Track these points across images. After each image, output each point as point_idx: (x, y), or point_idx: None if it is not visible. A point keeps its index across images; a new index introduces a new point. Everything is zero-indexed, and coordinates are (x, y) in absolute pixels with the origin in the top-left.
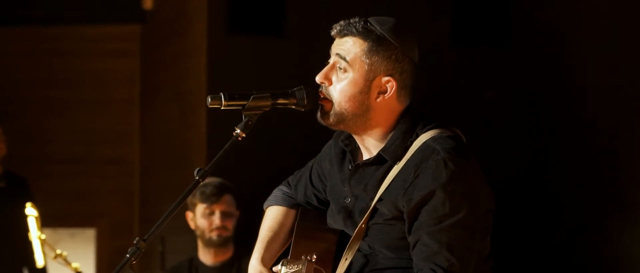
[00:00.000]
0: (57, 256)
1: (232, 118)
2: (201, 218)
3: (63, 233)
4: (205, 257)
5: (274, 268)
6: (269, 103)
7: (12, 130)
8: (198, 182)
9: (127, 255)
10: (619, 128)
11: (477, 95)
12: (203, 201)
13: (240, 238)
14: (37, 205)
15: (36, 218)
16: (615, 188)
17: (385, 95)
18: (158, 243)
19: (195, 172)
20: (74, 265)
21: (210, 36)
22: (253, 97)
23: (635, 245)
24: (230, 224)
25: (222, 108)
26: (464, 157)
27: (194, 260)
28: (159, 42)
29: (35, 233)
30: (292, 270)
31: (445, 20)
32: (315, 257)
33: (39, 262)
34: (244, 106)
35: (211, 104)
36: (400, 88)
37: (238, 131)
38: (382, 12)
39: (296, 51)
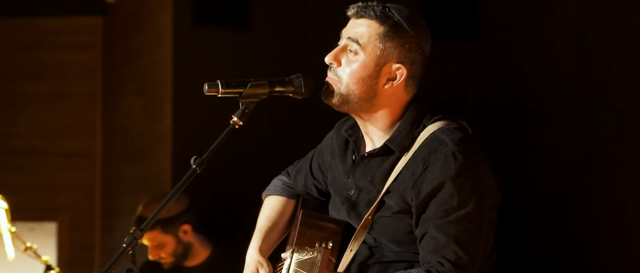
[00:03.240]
0: (27, 249)
1: (199, 111)
2: None
3: (22, 227)
4: None
5: (283, 255)
6: (266, 90)
7: None
8: (195, 171)
9: (124, 245)
10: (587, 120)
11: (443, 88)
12: None
13: (241, 228)
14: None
15: (6, 210)
16: (583, 179)
17: (394, 82)
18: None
19: (192, 160)
20: (44, 258)
21: (175, 28)
22: (250, 85)
23: (602, 235)
24: (164, 252)
25: (219, 95)
26: (472, 149)
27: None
28: (121, 34)
29: (5, 226)
30: (306, 257)
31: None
32: (331, 244)
33: (10, 255)
34: (241, 93)
35: (208, 92)
36: (408, 77)
37: (235, 119)
38: (347, 5)
39: (262, 44)
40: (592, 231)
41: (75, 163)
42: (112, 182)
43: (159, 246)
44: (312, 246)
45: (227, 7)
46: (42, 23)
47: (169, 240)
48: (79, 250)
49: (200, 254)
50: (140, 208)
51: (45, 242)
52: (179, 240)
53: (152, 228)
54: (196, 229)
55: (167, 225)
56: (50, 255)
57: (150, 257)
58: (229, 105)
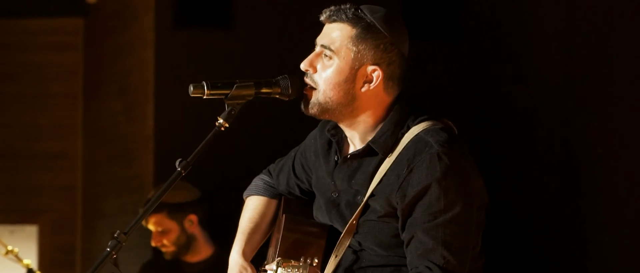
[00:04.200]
0: (8, 252)
1: (181, 112)
2: None
3: (3, 230)
4: None
5: (267, 266)
6: (252, 91)
7: None
8: (180, 174)
9: (108, 249)
10: (569, 120)
11: (428, 89)
12: None
13: (222, 230)
14: None
15: None
16: (566, 180)
17: (371, 85)
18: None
19: (177, 163)
20: (26, 261)
21: (157, 29)
22: (236, 86)
23: (587, 236)
24: (168, 240)
25: (205, 97)
26: (458, 150)
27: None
28: (102, 35)
29: None
30: None
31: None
32: (317, 261)
33: None
34: (226, 95)
35: (193, 93)
36: (386, 78)
37: (221, 120)
38: (328, 5)
39: (244, 44)
40: (579, 231)
41: (56, 164)
42: (94, 184)
43: (163, 232)
44: (298, 255)
45: (210, 7)
46: (22, 24)
47: (173, 227)
48: (60, 253)
49: (203, 251)
50: (152, 193)
51: (25, 245)
52: (183, 229)
53: (158, 211)
54: (202, 223)
55: (174, 210)
56: (31, 259)
57: (153, 243)
58: (212, 106)
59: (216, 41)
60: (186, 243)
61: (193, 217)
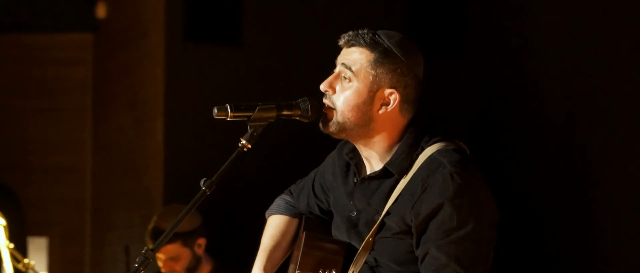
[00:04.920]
0: (25, 265)
1: (189, 127)
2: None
3: None
4: None
5: None
6: (274, 114)
7: None
8: (204, 193)
9: (136, 265)
10: (574, 132)
11: (432, 105)
12: None
13: (243, 247)
14: (15, 212)
15: (4, 227)
16: (572, 190)
17: (388, 107)
18: (122, 252)
19: (202, 182)
20: None
21: (167, 45)
22: (258, 109)
23: (592, 242)
24: (179, 266)
25: (228, 119)
26: (469, 170)
27: None
28: (111, 50)
29: (3, 243)
30: None
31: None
32: (334, 272)
33: (8, 272)
34: (249, 117)
35: (217, 115)
36: (402, 101)
37: (244, 142)
38: (336, 23)
39: (252, 60)
40: (585, 237)
41: (65, 178)
42: (103, 197)
43: (175, 258)
44: (316, 269)
45: (219, 24)
46: (33, 39)
47: (185, 253)
48: (69, 265)
49: (205, 269)
50: (155, 219)
51: (36, 257)
52: (194, 254)
53: (172, 241)
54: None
55: (187, 238)
56: (41, 270)
57: (164, 270)
58: (220, 122)
59: (225, 58)
60: (195, 265)
61: (202, 241)
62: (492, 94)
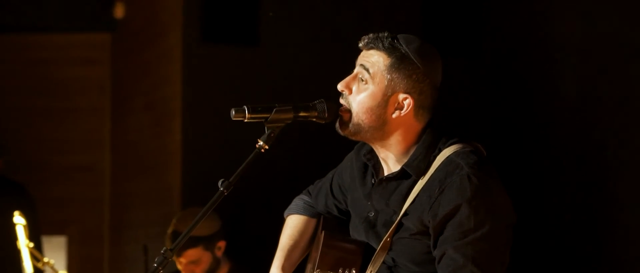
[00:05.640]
0: (44, 264)
1: (207, 127)
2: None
3: None
4: None
5: None
6: (291, 115)
7: None
8: (222, 194)
9: (155, 265)
10: (590, 133)
11: (450, 106)
12: None
13: (260, 247)
14: (30, 211)
15: (24, 226)
16: (589, 191)
17: (402, 112)
18: (141, 251)
19: (219, 183)
20: (61, 272)
21: (185, 44)
22: (276, 110)
23: (621, 243)
24: (199, 269)
25: (246, 120)
26: (486, 172)
27: None
28: (129, 50)
29: (23, 242)
30: None
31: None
32: (354, 271)
33: (28, 270)
34: (266, 118)
35: (235, 117)
36: (417, 107)
37: (261, 143)
38: (352, 24)
39: (269, 60)
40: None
41: (84, 177)
42: (121, 196)
43: (195, 262)
44: (335, 269)
45: (236, 24)
46: (51, 39)
47: (206, 257)
48: (88, 263)
49: (223, 270)
50: (174, 223)
51: (55, 256)
52: (214, 257)
53: (194, 246)
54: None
55: (208, 242)
56: (60, 269)
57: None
58: (237, 122)
59: (242, 58)
60: (214, 268)
61: (221, 244)
62: (508, 95)
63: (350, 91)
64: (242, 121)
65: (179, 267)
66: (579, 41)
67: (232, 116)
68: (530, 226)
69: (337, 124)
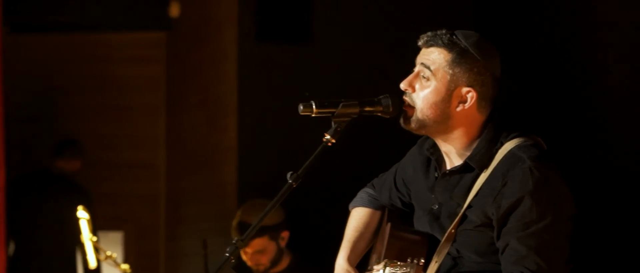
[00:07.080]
0: (107, 257)
1: (262, 123)
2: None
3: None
4: None
5: (376, 267)
6: (356, 110)
7: (41, 135)
8: (291, 186)
9: (226, 254)
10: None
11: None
12: None
13: (326, 238)
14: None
15: (88, 220)
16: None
17: (465, 105)
18: (197, 246)
19: (288, 176)
20: (123, 266)
21: (239, 42)
22: (342, 105)
23: None
24: (265, 258)
25: (313, 115)
26: (547, 165)
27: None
28: (184, 49)
29: (87, 236)
30: (399, 271)
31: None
32: (423, 261)
33: (92, 263)
34: (333, 113)
35: (303, 112)
36: (480, 99)
37: (328, 137)
38: (404, 21)
39: (324, 58)
40: None
41: (140, 174)
42: (177, 192)
43: (261, 252)
44: (403, 259)
45: (290, 22)
46: (107, 38)
47: (271, 247)
48: (144, 259)
49: (285, 261)
50: (239, 214)
51: (111, 251)
52: (278, 247)
53: (260, 235)
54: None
55: (273, 232)
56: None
57: (249, 263)
58: (293, 118)
59: (297, 55)
60: (278, 258)
61: (285, 234)
62: (561, 91)
63: (414, 89)
64: (310, 115)
65: (244, 257)
66: (633, 38)
67: (300, 111)
68: (587, 220)
69: (402, 120)
